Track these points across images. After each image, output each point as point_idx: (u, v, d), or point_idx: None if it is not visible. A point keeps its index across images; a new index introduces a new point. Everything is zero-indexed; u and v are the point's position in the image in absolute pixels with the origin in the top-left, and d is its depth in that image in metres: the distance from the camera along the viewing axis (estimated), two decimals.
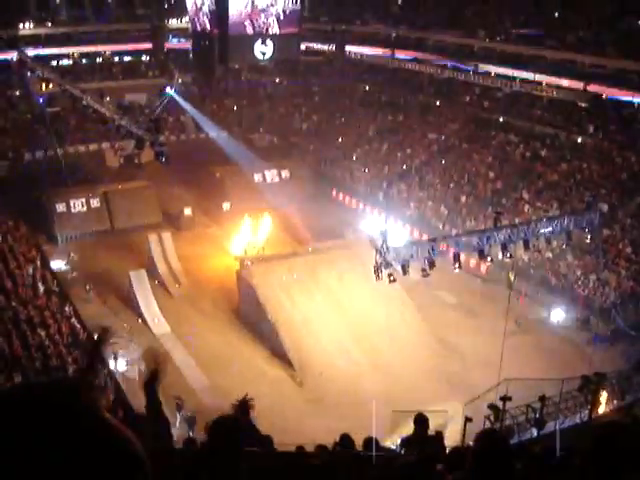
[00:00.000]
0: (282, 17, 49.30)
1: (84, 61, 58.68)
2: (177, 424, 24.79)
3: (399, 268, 28.01)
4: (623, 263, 35.57)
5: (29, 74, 47.72)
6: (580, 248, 35.62)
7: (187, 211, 42.89)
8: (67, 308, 30.75)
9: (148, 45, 60.82)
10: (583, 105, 47.39)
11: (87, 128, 52.43)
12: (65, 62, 58.10)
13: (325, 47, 64.70)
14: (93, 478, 1.25)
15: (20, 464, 1.21)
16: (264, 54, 50.22)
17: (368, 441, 7.77)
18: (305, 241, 38.60)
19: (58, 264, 36.89)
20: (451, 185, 46.01)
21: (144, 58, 61.97)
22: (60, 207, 41.05)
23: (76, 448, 1.25)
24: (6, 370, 24.12)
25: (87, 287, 34.16)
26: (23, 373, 24.01)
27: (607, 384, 22.60)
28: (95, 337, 4.86)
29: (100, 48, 59.52)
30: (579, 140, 46.24)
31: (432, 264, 28.09)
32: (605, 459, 1.88)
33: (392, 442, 16.50)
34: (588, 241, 33.67)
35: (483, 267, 35.88)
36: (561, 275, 36.28)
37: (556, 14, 53.08)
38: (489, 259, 30.40)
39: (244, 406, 5.33)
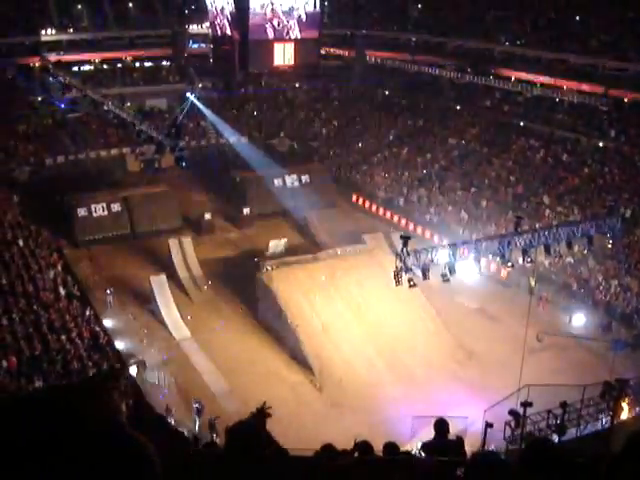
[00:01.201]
0: (303, 20, 49.33)
1: (105, 67, 59.09)
2: (196, 428, 24.89)
3: (419, 273, 27.94)
4: None
5: (51, 80, 48.20)
6: (602, 253, 35.36)
7: (207, 216, 42.97)
8: (88, 312, 30.92)
9: (168, 51, 61.11)
10: (604, 109, 47.12)
11: (108, 133, 52.87)
12: (87, 68, 58.53)
13: (345, 52, 64.72)
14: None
15: (35, 465, 1.21)
16: (284, 59, 50.34)
17: (388, 446, 7.71)
18: (325, 246, 38.51)
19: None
20: (472, 190, 45.83)
21: (164, 63, 62.28)
22: (81, 212, 41.23)
23: (88, 450, 1.25)
24: (27, 373, 24.30)
25: (108, 291, 34.29)
26: (44, 376, 24.17)
27: (629, 390, 22.40)
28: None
29: (121, 54, 59.87)
30: (600, 144, 45.96)
31: (452, 269, 27.99)
32: (635, 466, 1.85)
33: (412, 447, 16.46)
34: (610, 246, 33.43)
35: (503, 272, 35.70)
36: (582, 280, 36.01)
37: (577, 18, 52.79)
38: (510, 264, 30.21)
39: (262, 414, 5.30)
